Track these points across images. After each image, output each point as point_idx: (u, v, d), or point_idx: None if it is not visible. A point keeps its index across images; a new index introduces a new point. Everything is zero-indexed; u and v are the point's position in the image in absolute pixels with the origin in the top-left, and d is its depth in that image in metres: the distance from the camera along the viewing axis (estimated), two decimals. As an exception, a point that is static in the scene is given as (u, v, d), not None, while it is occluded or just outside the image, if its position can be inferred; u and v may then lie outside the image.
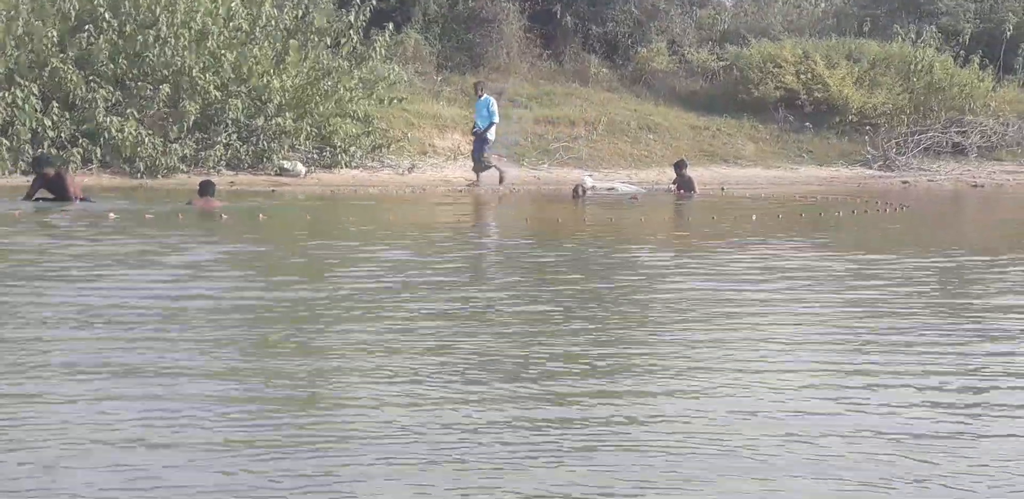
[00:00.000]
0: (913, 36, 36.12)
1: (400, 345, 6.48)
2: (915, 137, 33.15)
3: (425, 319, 7.37)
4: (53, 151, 21.94)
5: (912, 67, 34.26)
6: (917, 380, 5.88)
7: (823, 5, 41.48)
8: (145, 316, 7.22)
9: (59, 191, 17.05)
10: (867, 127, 33.09)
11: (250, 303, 7.88)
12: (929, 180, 30.54)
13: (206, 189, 16.97)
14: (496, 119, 23.89)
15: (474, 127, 24.24)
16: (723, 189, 25.39)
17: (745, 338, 6.93)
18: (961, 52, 35.61)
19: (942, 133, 33.49)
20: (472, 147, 24.44)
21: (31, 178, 17.78)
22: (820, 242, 13.67)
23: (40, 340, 6.47)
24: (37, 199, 16.98)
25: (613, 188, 24.32)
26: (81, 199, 17.02)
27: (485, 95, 24.46)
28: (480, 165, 23.93)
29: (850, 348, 6.71)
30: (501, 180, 23.45)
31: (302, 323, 7.17)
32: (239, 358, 6.11)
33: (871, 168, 32.02)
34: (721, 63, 35.14)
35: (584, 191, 21.53)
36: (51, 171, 17.38)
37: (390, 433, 4.73)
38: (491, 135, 23.67)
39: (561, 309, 7.86)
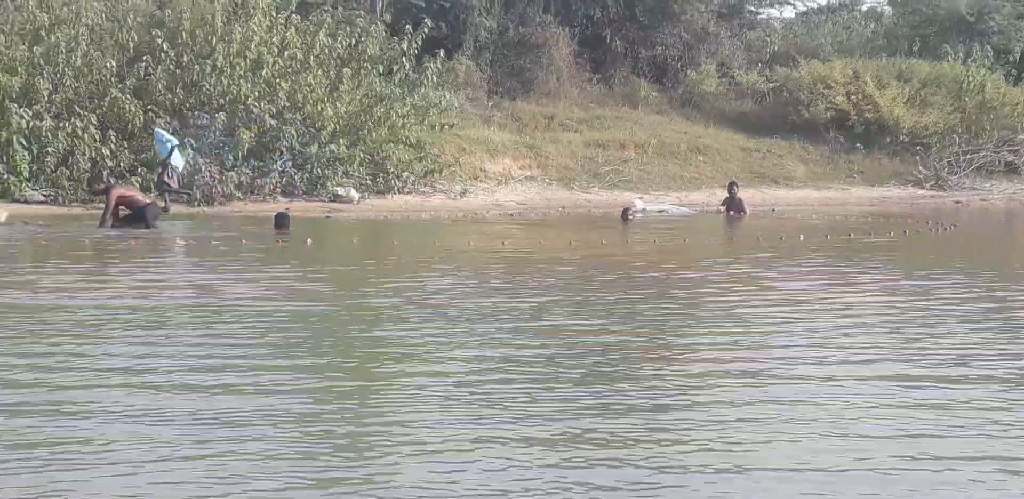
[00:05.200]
0: (963, 55, 36.02)
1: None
2: (967, 156, 33.01)
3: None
4: (111, 180, 22.40)
5: (963, 86, 34.16)
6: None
7: (873, 25, 41.49)
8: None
9: (128, 206, 17.60)
10: (918, 147, 33.01)
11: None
12: (982, 199, 30.41)
13: (280, 221, 17.34)
14: (175, 142, 21.92)
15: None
16: (773, 210, 25.43)
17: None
18: (1012, 71, 35.46)
19: (994, 152, 33.34)
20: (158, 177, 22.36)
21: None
22: (869, 266, 13.73)
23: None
24: (114, 224, 17.47)
25: (664, 210, 24.45)
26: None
27: (155, 128, 22.58)
28: (163, 187, 21.98)
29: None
30: (166, 209, 20.86)
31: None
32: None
33: (923, 188, 31.92)
34: (771, 84, 35.20)
35: (634, 214, 21.68)
36: (100, 186, 18.07)
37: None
38: (176, 161, 21.90)
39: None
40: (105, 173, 21.32)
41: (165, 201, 21.30)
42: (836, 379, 6.44)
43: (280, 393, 5.99)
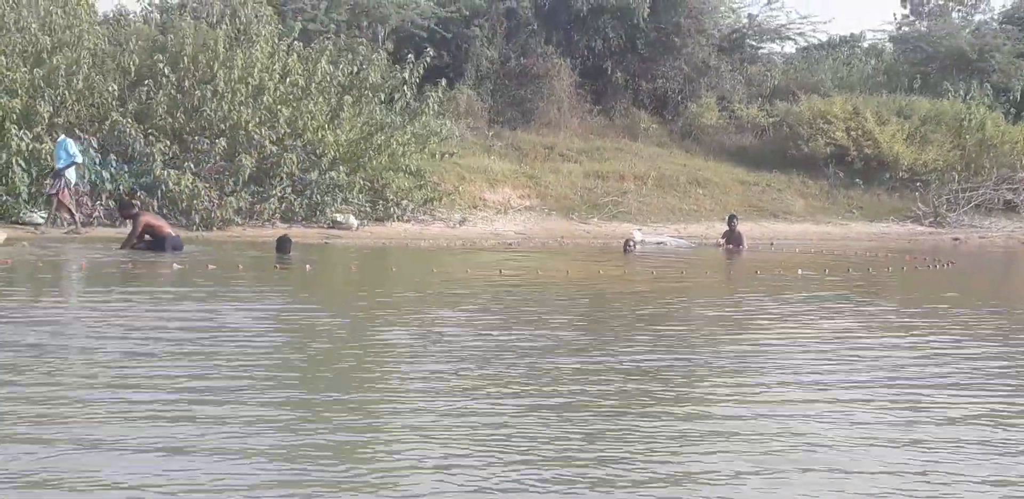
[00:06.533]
0: (963, 93, 36.16)
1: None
2: (966, 194, 33.10)
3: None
4: (111, 203, 22.42)
5: (963, 124, 34.30)
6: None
7: (874, 62, 41.64)
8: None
9: (152, 234, 17.65)
10: (918, 183, 33.12)
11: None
12: (980, 237, 30.44)
13: (282, 246, 17.35)
14: (79, 159, 21.76)
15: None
16: (772, 244, 25.43)
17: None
18: (1012, 109, 35.60)
19: (994, 190, 33.43)
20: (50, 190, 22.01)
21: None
22: (866, 301, 13.68)
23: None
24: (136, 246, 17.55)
25: (662, 242, 24.44)
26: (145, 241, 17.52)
27: (61, 137, 22.14)
28: (57, 204, 21.74)
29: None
30: (75, 229, 21.32)
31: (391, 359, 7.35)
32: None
33: (922, 224, 32.00)
34: (771, 119, 35.35)
35: (634, 245, 21.68)
36: (131, 211, 18.24)
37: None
38: (70, 175, 21.56)
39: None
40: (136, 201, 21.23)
41: (61, 218, 21.34)
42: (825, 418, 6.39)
43: (269, 425, 5.93)
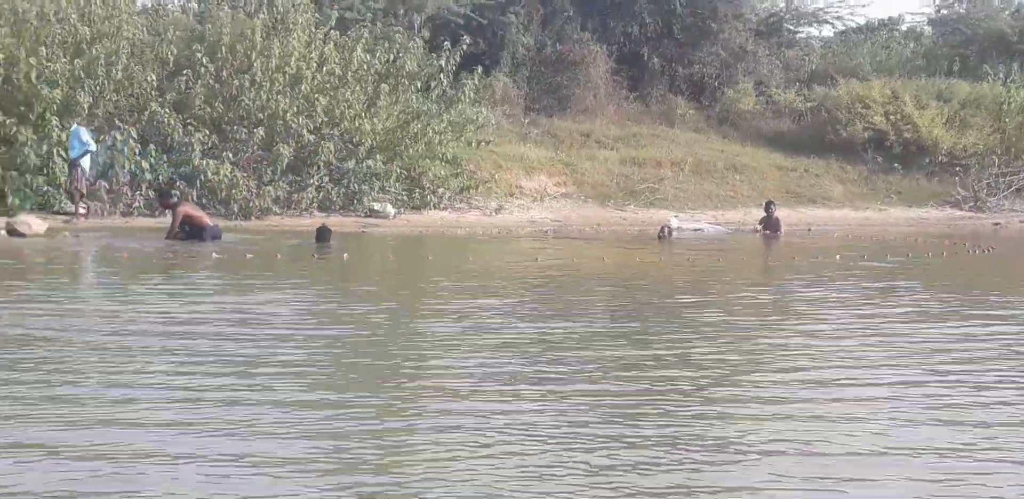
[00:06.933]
0: (1003, 76, 35.84)
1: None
2: (1007, 178, 32.83)
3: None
4: (151, 193, 22.57)
5: (1003, 107, 33.99)
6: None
7: (912, 45, 41.27)
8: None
9: (191, 225, 17.83)
10: (957, 168, 32.86)
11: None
12: (1021, 221, 30.17)
13: (322, 235, 17.49)
14: (92, 148, 21.72)
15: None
16: (810, 230, 25.33)
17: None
18: (1053, 92, 35.22)
19: (1034, 174, 33.12)
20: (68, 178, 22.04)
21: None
22: (906, 286, 13.62)
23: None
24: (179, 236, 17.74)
25: (700, 229, 24.38)
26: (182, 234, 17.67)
27: (74, 126, 22.00)
28: (74, 194, 21.86)
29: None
30: (78, 214, 21.35)
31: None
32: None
33: (962, 209, 31.75)
34: (808, 104, 35.13)
35: (670, 232, 21.62)
36: (170, 200, 18.40)
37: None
38: (85, 163, 21.64)
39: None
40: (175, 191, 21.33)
41: (76, 207, 21.40)
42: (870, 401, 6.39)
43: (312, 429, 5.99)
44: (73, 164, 21.56)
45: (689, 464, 5.08)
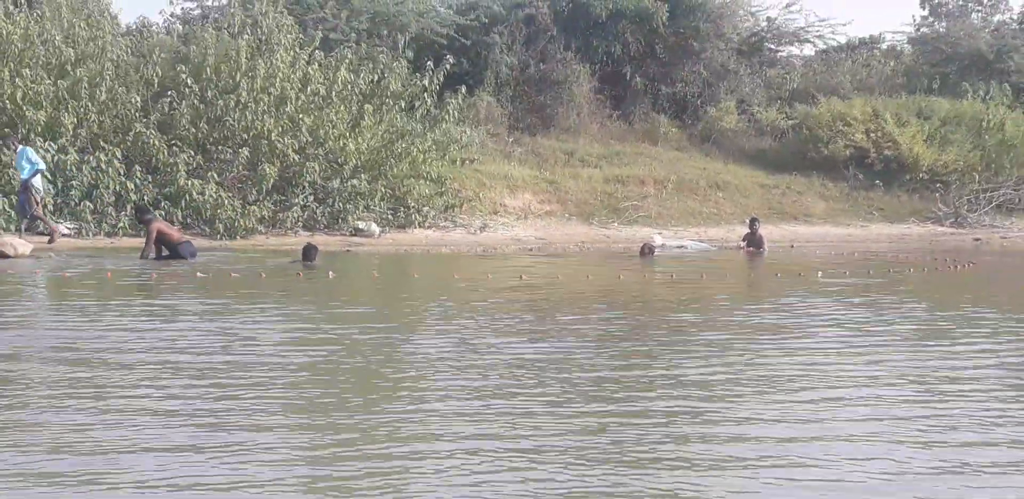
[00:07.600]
0: (982, 94, 36.14)
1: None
2: (987, 194, 33.08)
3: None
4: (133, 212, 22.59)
5: (983, 124, 34.28)
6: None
7: (892, 63, 41.57)
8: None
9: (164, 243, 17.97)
10: (938, 184, 33.11)
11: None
12: (1002, 237, 30.39)
13: (308, 253, 17.55)
14: (41, 166, 21.22)
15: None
16: (792, 246, 25.47)
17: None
18: (1031, 109, 35.55)
19: (1014, 190, 33.42)
20: (19, 200, 21.50)
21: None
22: (886, 303, 13.73)
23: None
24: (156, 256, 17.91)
25: (683, 246, 24.50)
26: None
27: (20, 146, 21.53)
28: (30, 221, 21.54)
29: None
30: (51, 239, 20.77)
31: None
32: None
33: (943, 225, 31.97)
34: (790, 122, 35.39)
35: (651, 250, 21.71)
36: (145, 216, 18.52)
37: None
38: (37, 183, 21.03)
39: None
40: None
41: (48, 225, 21.31)
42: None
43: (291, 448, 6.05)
44: (25, 186, 21.06)
45: (682, 480, 5.15)
